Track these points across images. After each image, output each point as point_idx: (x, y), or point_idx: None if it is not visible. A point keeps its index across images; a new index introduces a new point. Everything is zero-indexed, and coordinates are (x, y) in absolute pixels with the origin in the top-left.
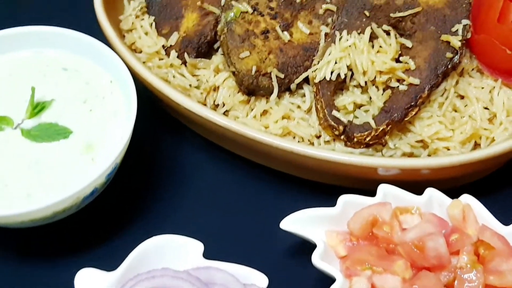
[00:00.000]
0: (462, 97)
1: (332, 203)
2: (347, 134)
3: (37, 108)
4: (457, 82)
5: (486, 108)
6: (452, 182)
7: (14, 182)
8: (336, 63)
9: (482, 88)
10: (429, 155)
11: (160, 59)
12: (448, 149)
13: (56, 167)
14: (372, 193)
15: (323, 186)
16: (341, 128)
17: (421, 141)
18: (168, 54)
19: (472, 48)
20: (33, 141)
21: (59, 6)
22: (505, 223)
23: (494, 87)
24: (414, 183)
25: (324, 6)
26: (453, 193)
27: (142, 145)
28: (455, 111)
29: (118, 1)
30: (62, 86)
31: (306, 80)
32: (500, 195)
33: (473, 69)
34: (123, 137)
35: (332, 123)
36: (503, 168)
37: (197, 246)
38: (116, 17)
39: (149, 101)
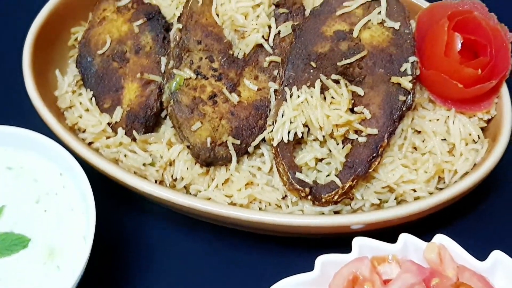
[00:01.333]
0: (418, 132)
1: (308, 261)
2: (314, 195)
3: None
4: (412, 119)
5: (444, 139)
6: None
7: None
8: (291, 122)
9: (437, 119)
10: (396, 198)
11: (107, 137)
12: (415, 191)
13: (20, 283)
14: (345, 240)
15: (293, 240)
16: (307, 190)
17: (387, 186)
18: (114, 130)
19: (422, 81)
20: None
21: None
22: (478, 254)
23: (448, 116)
24: (386, 228)
25: (267, 58)
26: (417, 229)
27: (106, 230)
28: (415, 148)
29: (50, 74)
30: (10, 188)
31: (263, 139)
32: (463, 224)
33: (425, 101)
34: (86, 237)
35: (298, 186)
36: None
37: None
38: (51, 93)
39: (102, 179)
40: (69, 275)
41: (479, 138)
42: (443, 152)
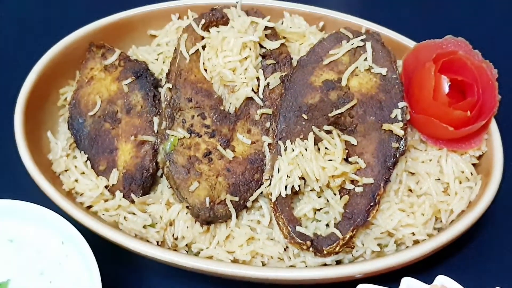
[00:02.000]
0: (412, 173)
1: None
2: (315, 248)
3: None
4: (405, 162)
5: (438, 179)
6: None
7: None
8: (288, 177)
9: (430, 160)
10: (395, 242)
11: (106, 200)
12: (413, 234)
13: None
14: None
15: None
16: (308, 243)
17: (387, 231)
18: (112, 193)
19: (412, 123)
20: None
21: None
22: None
23: (440, 156)
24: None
25: (259, 111)
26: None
27: None
28: (410, 191)
29: (42, 137)
30: (13, 261)
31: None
32: (465, 259)
33: (416, 141)
34: None
35: (299, 240)
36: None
37: None
38: (44, 157)
39: (104, 242)
40: None
41: (472, 175)
42: (438, 192)
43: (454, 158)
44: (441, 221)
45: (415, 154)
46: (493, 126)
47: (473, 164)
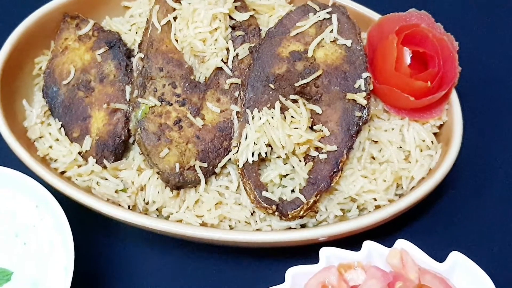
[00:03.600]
0: (375, 142)
1: (278, 272)
2: (280, 212)
3: None
4: (369, 130)
5: (399, 147)
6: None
7: None
8: (254, 144)
9: (392, 129)
10: (358, 207)
11: (79, 166)
12: (375, 199)
13: None
14: (313, 249)
15: (263, 251)
16: (274, 207)
17: (349, 196)
18: (85, 159)
19: (375, 93)
20: None
21: None
22: (437, 255)
23: (403, 125)
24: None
25: (228, 80)
26: (379, 234)
27: (85, 257)
28: (373, 158)
29: (17, 105)
30: None
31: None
32: (422, 226)
33: (380, 111)
34: (67, 267)
35: (265, 204)
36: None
37: None
38: (19, 123)
39: (77, 207)
40: None
41: (432, 143)
42: (399, 160)
43: (416, 127)
44: (402, 188)
45: (378, 123)
46: (454, 97)
47: (434, 133)
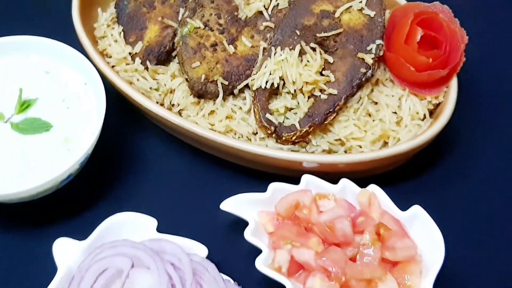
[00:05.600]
0: (375, 103)
1: (264, 188)
2: (277, 133)
3: (24, 105)
4: (372, 91)
5: (394, 112)
6: (364, 173)
7: (5, 167)
8: (270, 74)
9: (392, 96)
10: (345, 151)
11: (127, 64)
12: (360, 147)
13: (39, 155)
14: (297, 180)
15: (257, 172)
16: (272, 128)
17: (339, 139)
18: (133, 60)
19: (385, 61)
20: (21, 133)
21: (40, 16)
22: (403, 209)
23: (402, 95)
24: (332, 174)
25: (264, 23)
26: (365, 182)
27: (111, 137)
28: (369, 115)
29: (93, 9)
30: (45, 87)
31: (248, 86)
32: (402, 185)
33: (386, 80)
34: (94, 132)
35: (265, 124)
36: (409, 163)
37: (152, 222)
38: (91, 24)
39: (118, 99)
40: (76, 157)
41: (424, 117)
42: (391, 121)
43: (413, 100)
44: (387, 146)
45: (382, 88)
46: (454, 82)
47: (429, 111)
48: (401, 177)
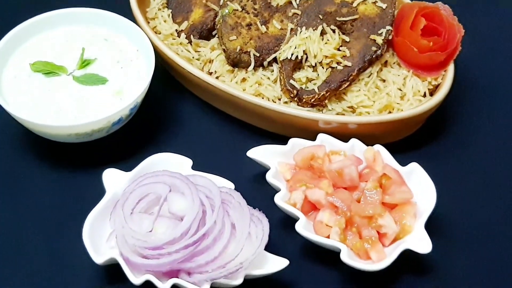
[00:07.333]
0: (383, 81)
1: (285, 140)
2: (298, 97)
3: (85, 62)
4: (381, 69)
5: (399, 89)
6: (371, 141)
7: (67, 108)
8: (295, 48)
9: (398, 75)
10: None
11: (173, 39)
12: (369, 113)
13: (96, 101)
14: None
15: (278, 136)
16: (295, 92)
17: (351, 107)
18: (179, 36)
19: (393, 47)
20: (81, 84)
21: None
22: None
23: (407, 76)
24: (344, 136)
25: (292, 10)
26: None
27: (155, 97)
28: (377, 88)
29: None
30: (103, 51)
31: (275, 60)
32: (404, 155)
33: (394, 63)
34: (143, 86)
35: (289, 88)
36: (410, 137)
37: (188, 162)
38: (143, 9)
39: (161, 70)
40: (127, 103)
41: (425, 95)
42: (396, 95)
43: (416, 80)
44: None
45: (390, 69)
46: (451, 67)
47: (429, 91)
48: (404, 149)
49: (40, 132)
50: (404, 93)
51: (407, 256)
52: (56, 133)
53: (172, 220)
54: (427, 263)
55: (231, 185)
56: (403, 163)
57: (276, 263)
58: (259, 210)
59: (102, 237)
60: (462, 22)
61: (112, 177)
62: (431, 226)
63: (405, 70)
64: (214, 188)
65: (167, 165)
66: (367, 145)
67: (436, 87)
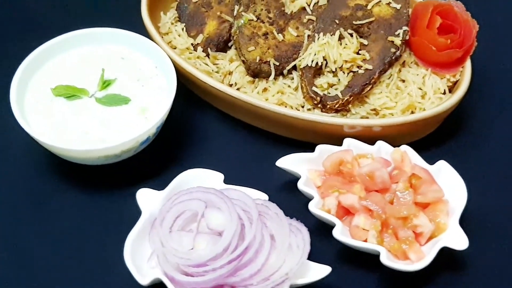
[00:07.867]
0: (403, 81)
1: (312, 147)
2: (322, 103)
3: (105, 83)
4: (400, 70)
5: (420, 88)
6: (395, 141)
7: (92, 131)
8: (315, 55)
9: (417, 75)
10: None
11: (190, 53)
12: (392, 115)
13: (120, 122)
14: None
15: (305, 143)
16: (318, 98)
17: (374, 109)
18: (195, 49)
19: (410, 47)
20: (104, 105)
21: (112, 15)
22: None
23: (426, 74)
24: (369, 138)
25: (307, 16)
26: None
27: (176, 113)
28: (398, 89)
29: (156, 12)
30: (122, 70)
31: (294, 68)
32: (429, 153)
33: (411, 62)
34: (167, 103)
35: (312, 95)
36: (433, 134)
37: (219, 176)
38: (156, 24)
39: (180, 86)
40: (153, 122)
41: (445, 92)
42: (417, 95)
43: (435, 78)
44: None
45: (408, 69)
46: (468, 63)
47: (448, 88)
48: (427, 147)
49: (66, 156)
50: (425, 92)
51: (443, 253)
52: (85, 157)
53: (211, 236)
54: (463, 260)
55: (265, 197)
56: (427, 161)
57: (319, 271)
58: (296, 220)
59: (143, 258)
60: (475, 18)
61: (146, 197)
62: (463, 222)
63: (423, 69)
64: (249, 201)
65: (199, 180)
66: (392, 146)
67: (455, 83)
